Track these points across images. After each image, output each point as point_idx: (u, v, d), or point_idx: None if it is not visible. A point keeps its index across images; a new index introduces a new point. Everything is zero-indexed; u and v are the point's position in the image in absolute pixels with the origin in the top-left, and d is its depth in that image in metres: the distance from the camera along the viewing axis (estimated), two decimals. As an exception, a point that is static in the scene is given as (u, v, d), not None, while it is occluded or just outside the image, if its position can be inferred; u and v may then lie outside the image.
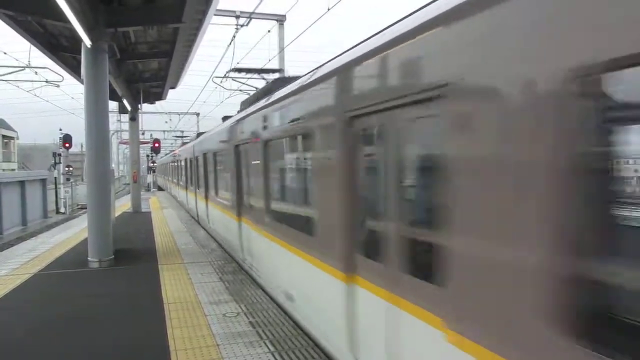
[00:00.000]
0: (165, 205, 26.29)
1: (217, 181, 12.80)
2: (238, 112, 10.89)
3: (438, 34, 3.12)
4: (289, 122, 6.29)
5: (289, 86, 6.68)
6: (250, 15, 16.05)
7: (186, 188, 21.66)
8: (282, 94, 6.71)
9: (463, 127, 2.82)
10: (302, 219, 5.86)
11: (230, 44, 16.19)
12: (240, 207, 9.36)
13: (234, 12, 16.22)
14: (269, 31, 16.95)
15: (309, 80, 5.61)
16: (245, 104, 10.24)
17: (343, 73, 4.58)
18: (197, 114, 45.57)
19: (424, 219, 3.49)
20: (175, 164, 28.46)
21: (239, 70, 13.76)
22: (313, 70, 5.91)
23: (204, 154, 14.83)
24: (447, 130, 2.97)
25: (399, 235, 3.64)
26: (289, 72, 17.16)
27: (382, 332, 3.86)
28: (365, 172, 4.26)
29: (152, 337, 5.88)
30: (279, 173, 7.24)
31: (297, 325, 6.17)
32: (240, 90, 19.02)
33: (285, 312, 6.67)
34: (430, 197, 3.27)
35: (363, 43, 4.48)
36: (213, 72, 18.55)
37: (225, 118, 13.59)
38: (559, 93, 2.18)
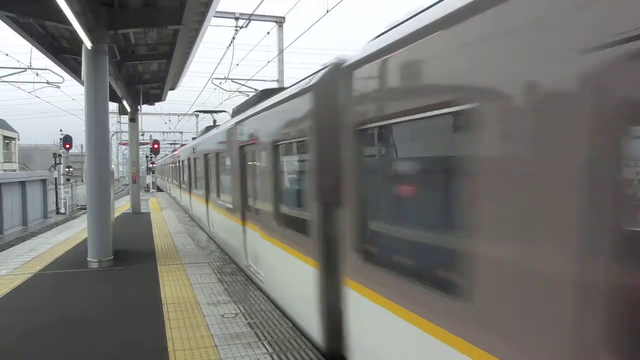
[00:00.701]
0: (164, 206, 26.33)
1: (183, 177, 22.45)
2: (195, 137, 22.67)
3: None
4: (199, 152, 15.45)
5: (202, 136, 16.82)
6: (250, 17, 16.10)
7: (171, 182, 33.17)
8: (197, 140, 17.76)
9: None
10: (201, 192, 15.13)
11: (229, 45, 16.27)
12: (191, 189, 18.69)
13: (233, 13, 16.28)
14: (268, 33, 17.01)
15: (197, 139, 17.98)
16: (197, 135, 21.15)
17: (202, 141, 15.44)
18: (197, 115, 45.58)
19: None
20: (167, 166, 40.69)
21: (199, 111, 25.61)
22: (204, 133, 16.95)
23: (182, 161, 22.96)
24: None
25: (249, 203, 8.63)
26: (288, 74, 17.26)
27: (252, 244, 8.39)
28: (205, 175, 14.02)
29: (150, 337, 5.93)
30: (202, 176, 14.85)
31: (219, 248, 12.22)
32: (240, 92, 19.11)
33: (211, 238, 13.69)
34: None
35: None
36: (212, 74, 18.62)
37: (193, 138, 24.38)
38: None
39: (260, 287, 8.04)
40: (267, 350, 5.40)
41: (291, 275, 6.19)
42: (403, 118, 3.49)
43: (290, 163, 6.63)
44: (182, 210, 23.36)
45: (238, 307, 7.09)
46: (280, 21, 17.58)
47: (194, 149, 17.26)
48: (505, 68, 2.45)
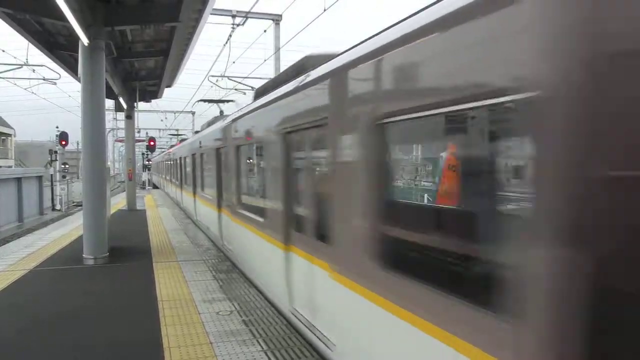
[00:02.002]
0: (160, 204, 26.33)
1: (165, 172, 31.96)
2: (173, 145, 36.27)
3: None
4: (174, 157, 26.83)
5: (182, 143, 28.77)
6: (247, 15, 16.07)
7: (163, 176, 40.49)
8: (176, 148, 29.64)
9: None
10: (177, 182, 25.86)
11: (226, 43, 16.25)
12: (180, 181, 23.22)
13: (230, 11, 16.24)
14: (264, 31, 16.99)
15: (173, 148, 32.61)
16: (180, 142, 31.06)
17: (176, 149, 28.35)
18: (193, 113, 45.52)
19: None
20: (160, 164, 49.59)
21: (176, 135, 35.40)
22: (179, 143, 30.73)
23: (169, 160, 30.31)
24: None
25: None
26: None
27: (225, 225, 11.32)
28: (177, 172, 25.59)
29: (145, 334, 5.95)
30: (181, 173, 22.44)
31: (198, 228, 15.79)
32: (236, 90, 19.09)
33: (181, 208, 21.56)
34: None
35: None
36: (209, 71, 18.59)
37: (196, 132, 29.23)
38: None
39: None
40: (262, 348, 5.43)
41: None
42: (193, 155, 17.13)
43: (188, 165, 18.56)
44: (179, 208, 23.85)
45: (233, 304, 7.12)
46: (277, 19, 17.56)
47: (174, 155, 27.87)
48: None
